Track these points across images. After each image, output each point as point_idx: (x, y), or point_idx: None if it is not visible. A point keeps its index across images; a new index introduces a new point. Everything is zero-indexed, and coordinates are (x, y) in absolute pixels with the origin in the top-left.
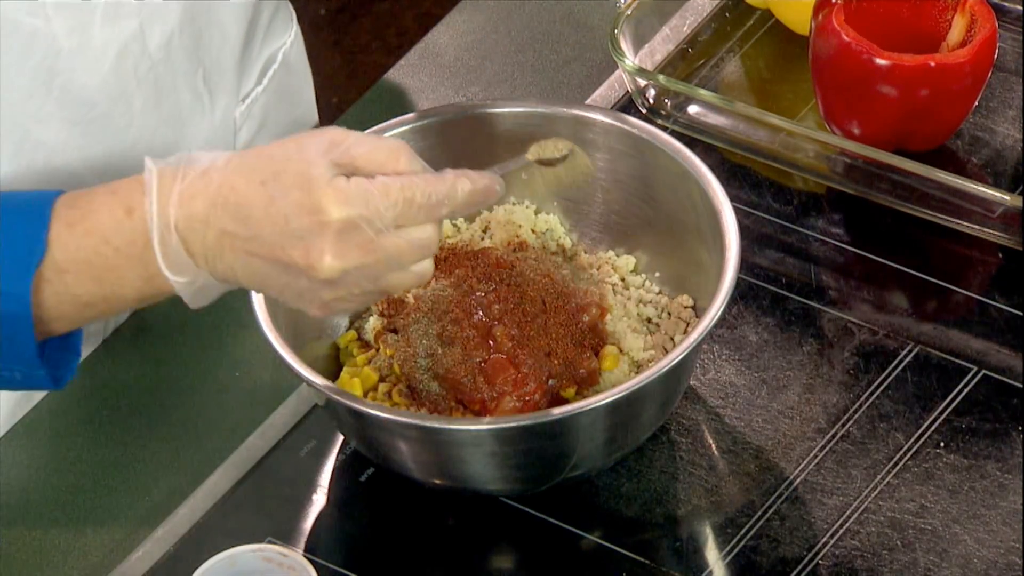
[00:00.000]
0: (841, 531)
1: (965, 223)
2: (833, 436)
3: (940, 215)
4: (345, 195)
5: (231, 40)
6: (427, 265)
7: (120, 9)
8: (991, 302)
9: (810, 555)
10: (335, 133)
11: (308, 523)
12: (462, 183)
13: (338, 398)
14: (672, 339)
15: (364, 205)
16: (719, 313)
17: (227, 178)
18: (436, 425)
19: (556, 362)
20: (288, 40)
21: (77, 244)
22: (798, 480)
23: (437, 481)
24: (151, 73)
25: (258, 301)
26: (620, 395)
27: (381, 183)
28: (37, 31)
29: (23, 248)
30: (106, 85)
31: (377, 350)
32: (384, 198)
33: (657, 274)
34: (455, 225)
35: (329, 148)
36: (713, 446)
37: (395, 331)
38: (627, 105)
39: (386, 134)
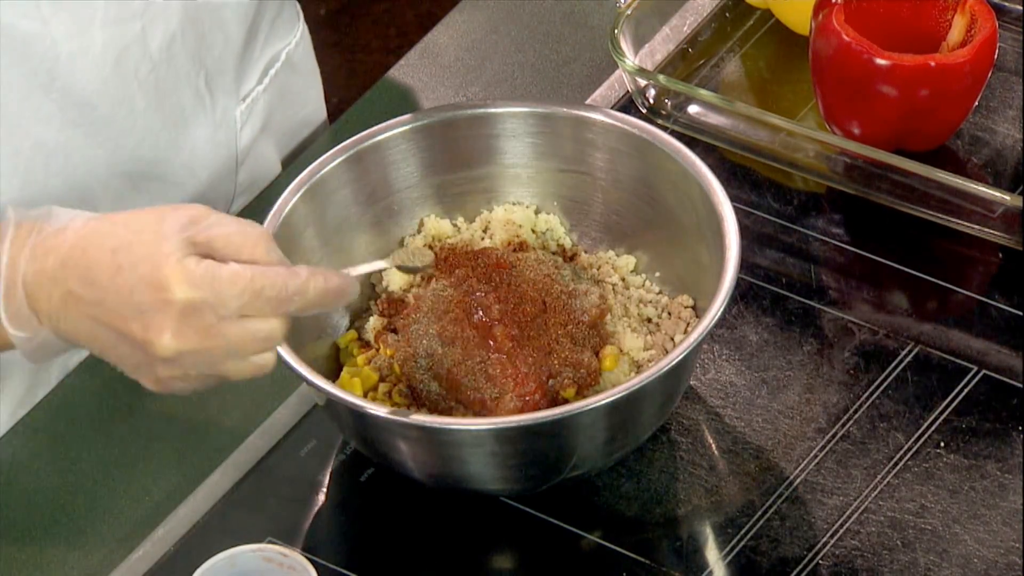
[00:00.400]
0: (841, 531)
1: (965, 223)
2: (833, 436)
3: (940, 215)
4: (192, 277)
5: (233, 40)
6: (268, 358)
7: (122, 11)
8: (991, 302)
9: (810, 555)
10: (197, 211)
11: (308, 523)
12: (315, 281)
13: (338, 398)
14: (672, 339)
15: (210, 290)
16: (719, 313)
17: (80, 240)
18: (436, 425)
19: (556, 362)
20: (293, 40)
21: None
22: (798, 480)
23: (437, 481)
24: (152, 75)
25: None
26: (620, 395)
27: (231, 270)
28: (34, 34)
29: None
30: (107, 87)
31: (377, 350)
32: (232, 286)
33: (657, 274)
34: (455, 225)
35: (187, 225)
36: (713, 446)
37: (395, 331)
38: (627, 105)
39: (386, 134)
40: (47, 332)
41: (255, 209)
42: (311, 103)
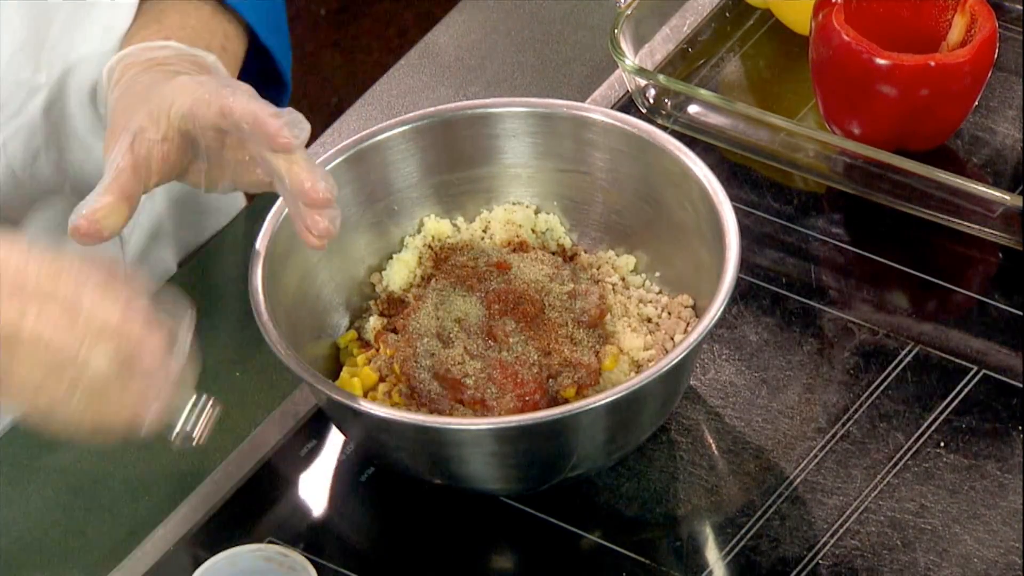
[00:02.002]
0: (841, 531)
1: (965, 223)
2: (833, 436)
3: (940, 215)
4: None
5: (95, 154)
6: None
7: None
8: (991, 302)
9: (810, 555)
10: None
11: (308, 523)
12: None
13: (338, 398)
14: (672, 339)
15: None
16: (719, 313)
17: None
18: (436, 425)
19: (556, 362)
20: None
21: None
22: (798, 480)
23: (437, 481)
24: (16, 192)
25: (258, 302)
26: (620, 395)
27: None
28: None
29: None
30: None
31: (377, 350)
32: None
33: (657, 274)
34: (455, 225)
35: None
36: (713, 446)
37: (395, 331)
38: (627, 105)
39: (386, 134)
40: None
41: (257, 210)
42: (212, 208)
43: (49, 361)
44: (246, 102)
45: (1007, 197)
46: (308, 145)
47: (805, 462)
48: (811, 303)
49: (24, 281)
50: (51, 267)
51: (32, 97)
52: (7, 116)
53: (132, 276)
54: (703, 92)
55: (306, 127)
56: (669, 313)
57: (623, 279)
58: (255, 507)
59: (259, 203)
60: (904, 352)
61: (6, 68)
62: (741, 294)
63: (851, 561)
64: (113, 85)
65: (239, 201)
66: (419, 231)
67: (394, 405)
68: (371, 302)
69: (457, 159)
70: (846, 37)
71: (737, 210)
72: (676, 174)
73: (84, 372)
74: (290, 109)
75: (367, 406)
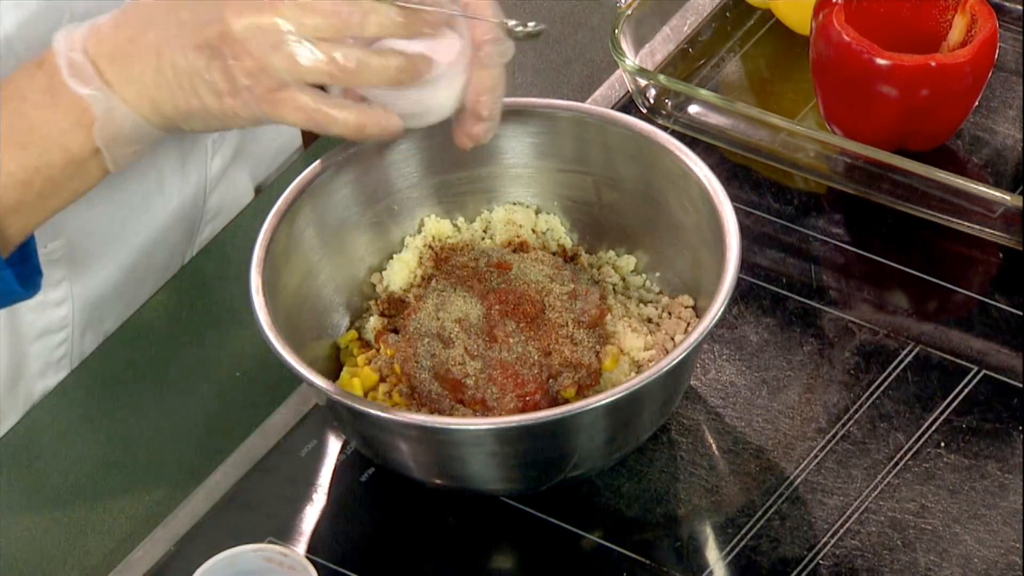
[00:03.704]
0: (841, 531)
1: (965, 223)
2: (833, 436)
3: (940, 215)
4: None
5: None
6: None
7: None
8: (991, 302)
9: (810, 555)
10: None
11: (308, 523)
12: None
13: (338, 398)
14: (672, 339)
15: None
16: (719, 313)
17: (131, 5)
18: (436, 425)
19: (556, 362)
20: None
21: None
22: (798, 480)
23: (437, 481)
24: None
25: (258, 301)
26: (620, 395)
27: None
28: None
29: None
30: None
31: (377, 350)
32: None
33: (657, 274)
34: (455, 225)
35: None
36: (713, 446)
37: (395, 331)
38: (627, 105)
39: None
40: (116, 99)
41: (258, 210)
42: (285, 131)
43: None
44: None
45: (1007, 197)
46: (308, 145)
47: (805, 462)
48: (811, 303)
49: None
50: None
51: None
52: None
53: None
54: (703, 92)
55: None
56: (669, 313)
57: (623, 279)
58: (255, 507)
59: (260, 202)
60: (904, 352)
61: None
62: (741, 294)
63: (851, 561)
64: None
65: (206, 229)
66: (419, 231)
67: (394, 405)
68: (371, 302)
69: (457, 159)
70: (846, 37)
71: (737, 210)
72: (676, 174)
73: None
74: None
75: (367, 406)
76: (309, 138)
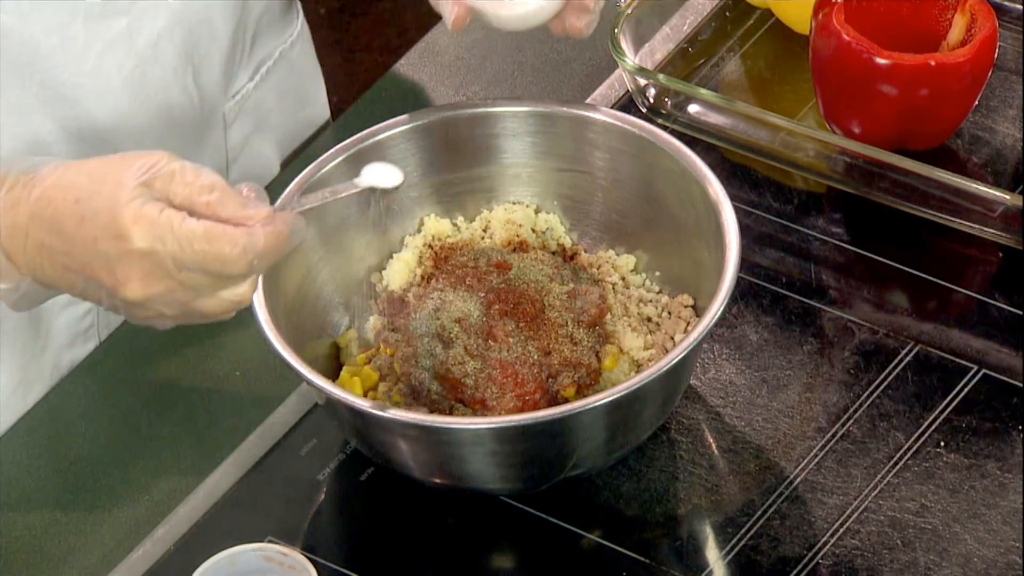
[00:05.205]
0: (841, 530)
1: (965, 223)
2: (833, 435)
3: (940, 214)
4: (152, 225)
5: (220, 38)
6: (240, 291)
7: (107, 8)
8: (991, 301)
9: (810, 554)
10: (157, 157)
11: (308, 523)
12: (268, 234)
13: (338, 398)
14: (672, 338)
15: (171, 238)
16: (719, 312)
17: (46, 192)
18: (436, 424)
19: (556, 362)
20: (289, 39)
21: None
22: (798, 479)
23: (437, 480)
24: (138, 71)
25: (258, 301)
26: (620, 395)
27: (186, 229)
28: (11, 27)
29: None
30: (90, 83)
31: (377, 349)
32: (188, 243)
33: (657, 273)
34: (455, 225)
35: (146, 171)
36: (713, 445)
37: (395, 330)
38: (627, 104)
39: (387, 134)
40: (29, 281)
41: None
42: (313, 103)
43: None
44: None
45: (1007, 197)
46: (307, 145)
47: (805, 462)
48: (811, 303)
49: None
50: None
51: None
52: None
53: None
54: (703, 92)
55: None
56: (669, 313)
57: (623, 279)
58: (255, 507)
59: (284, 176)
60: (904, 352)
61: None
62: (741, 294)
63: (851, 561)
64: None
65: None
66: (419, 231)
67: (394, 405)
68: (371, 301)
69: (457, 159)
70: (846, 37)
71: (737, 210)
72: (676, 174)
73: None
74: None
75: (367, 406)
76: (336, 111)
